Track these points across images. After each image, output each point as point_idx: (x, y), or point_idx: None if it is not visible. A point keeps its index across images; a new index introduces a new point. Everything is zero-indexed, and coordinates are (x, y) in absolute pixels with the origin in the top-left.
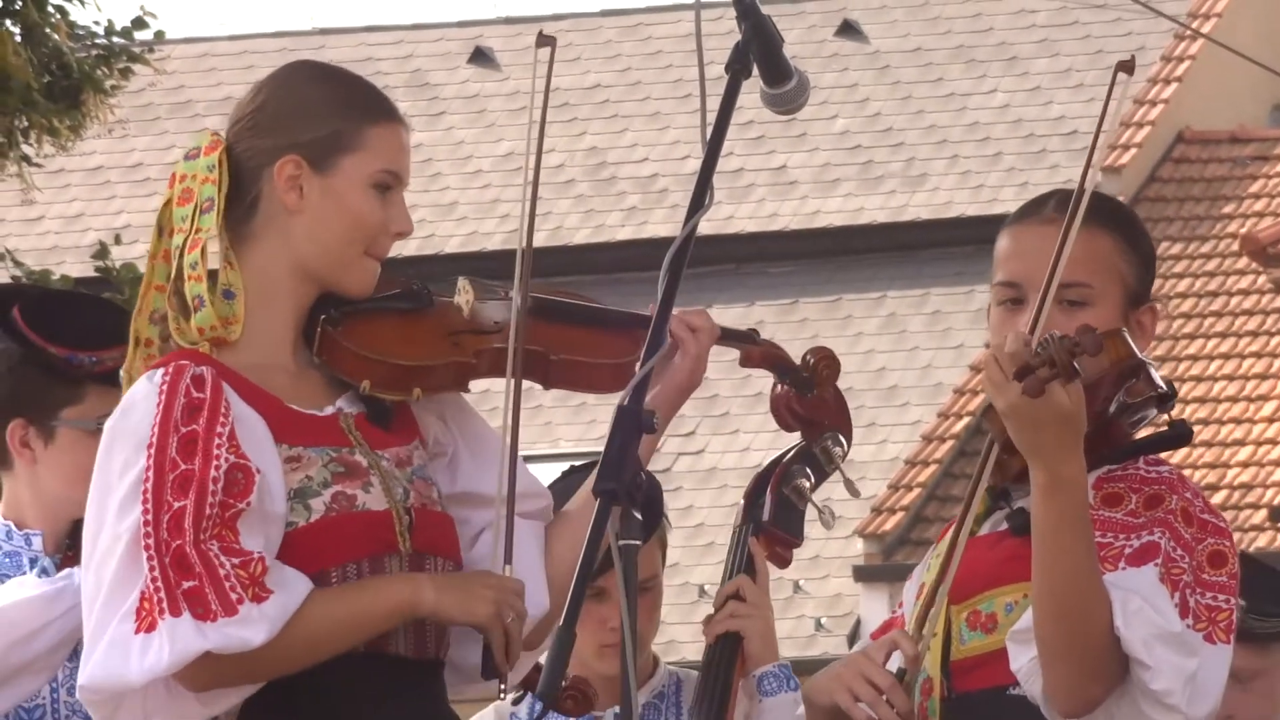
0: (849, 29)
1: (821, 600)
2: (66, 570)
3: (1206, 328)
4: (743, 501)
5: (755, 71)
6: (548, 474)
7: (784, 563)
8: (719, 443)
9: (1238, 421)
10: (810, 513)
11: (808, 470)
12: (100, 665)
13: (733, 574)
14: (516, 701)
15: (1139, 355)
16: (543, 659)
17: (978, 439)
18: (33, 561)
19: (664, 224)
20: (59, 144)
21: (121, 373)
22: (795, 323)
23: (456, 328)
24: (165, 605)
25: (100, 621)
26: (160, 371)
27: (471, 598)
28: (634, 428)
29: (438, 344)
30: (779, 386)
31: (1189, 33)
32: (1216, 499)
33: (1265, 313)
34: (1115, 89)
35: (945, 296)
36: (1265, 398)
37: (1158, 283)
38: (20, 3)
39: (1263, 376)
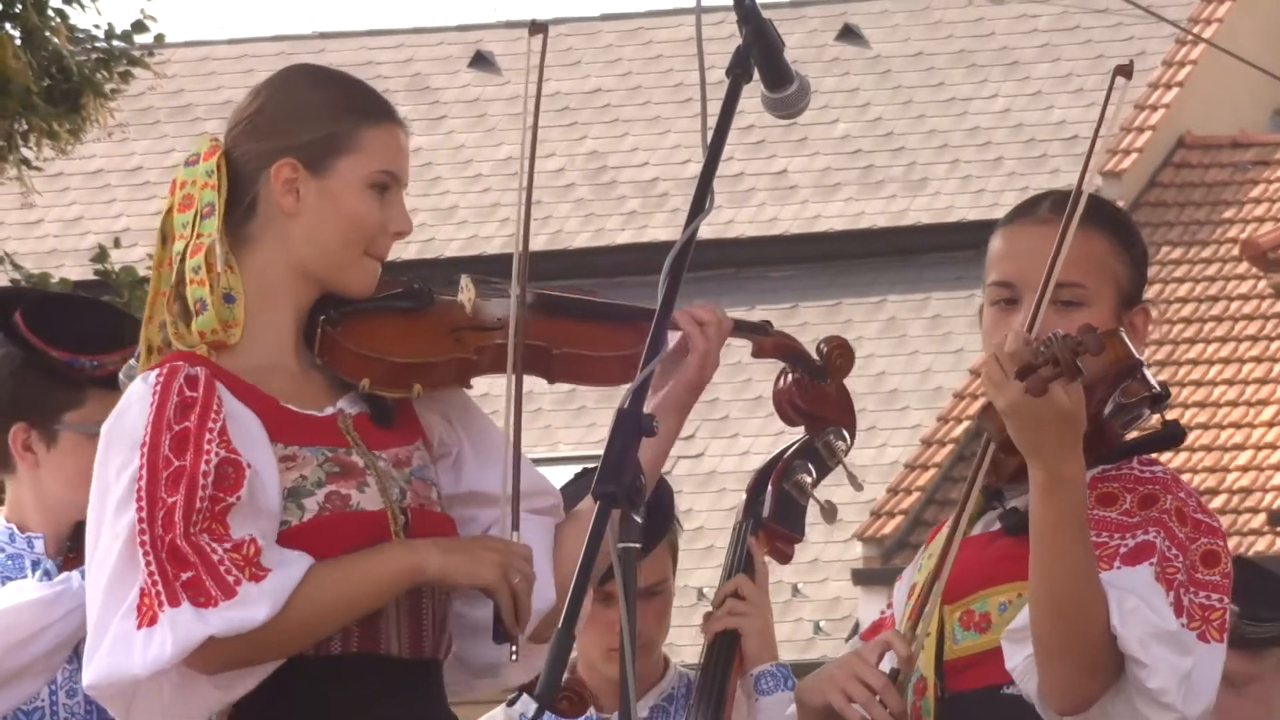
0: (850, 33)
1: (820, 603)
2: (65, 574)
3: (1206, 332)
4: (744, 496)
5: (756, 75)
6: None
7: (785, 558)
8: (719, 446)
9: (1237, 426)
10: (813, 509)
11: (810, 466)
12: (105, 662)
13: (731, 571)
14: (511, 703)
15: (1136, 355)
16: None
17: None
18: (35, 564)
19: (664, 228)
20: (58, 147)
21: (121, 378)
22: (795, 327)
23: (458, 324)
24: (164, 597)
25: (101, 620)
26: (155, 373)
27: (476, 560)
28: (634, 431)
29: (438, 341)
30: (781, 381)
31: (1190, 37)
32: (1216, 503)
33: (1265, 317)
34: (1113, 93)
35: (945, 301)
36: (1265, 402)
37: (1158, 287)
38: (20, 6)
39: (1262, 381)
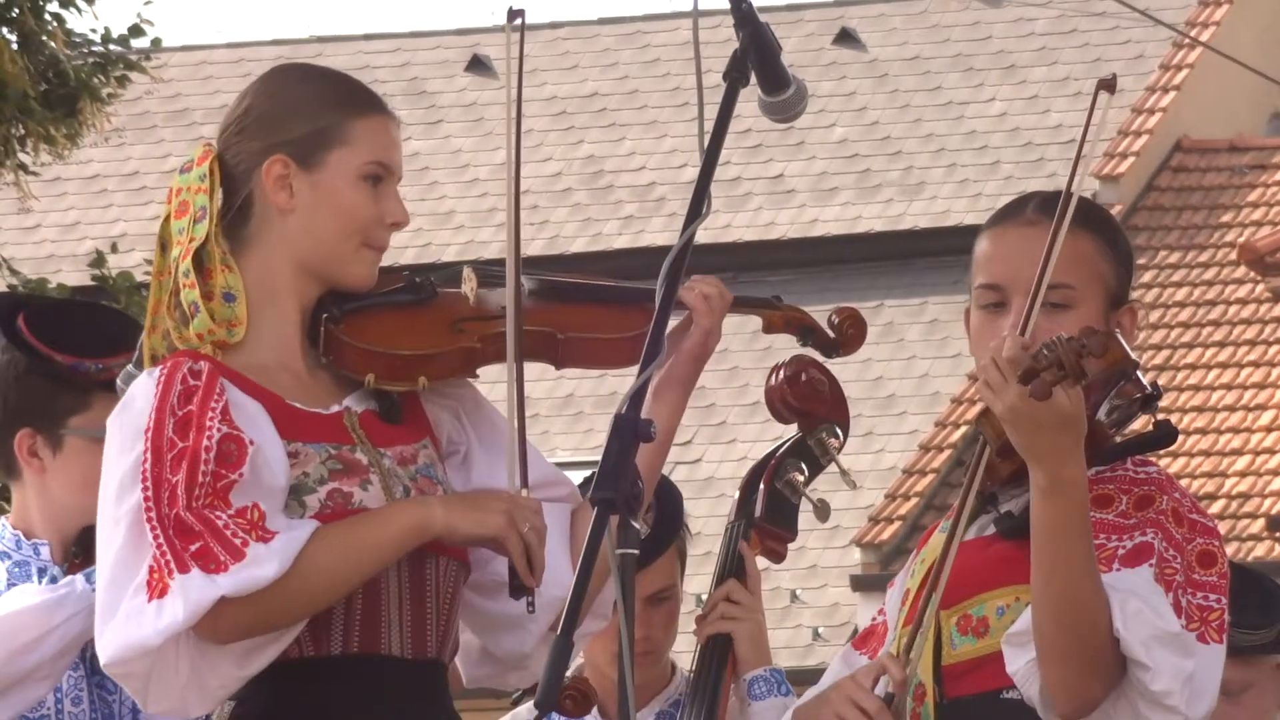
0: (847, 37)
1: (819, 610)
2: (69, 577)
3: (1204, 336)
4: (736, 495)
5: (753, 80)
6: None
7: (778, 557)
8: (716, 451)
9: (1235, 431)
10: (805, 508)
11: (802, 464)
12: (118, 636)
13: (723, 574)
14: (516, 702)
15: (1133, 357)
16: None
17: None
18: (41, 571)
19: (661, 233)
20: (55, 152)
21: (119, 384)
22: None
23: (462, 315)
24: (174, 567)
25: (111, 600)
26: (159, 368)
27: (482, 510)
28: (631, 436)
29: (441, 332)
30: (773, 379)
31: (1187, 41)
32: (1214, 508)
33: (1263, 321)
34: (1097, 107)
35: (943, 305)
36: (1263, 407)
37: (1155, 291)
38: (17, 10)
39: (1260, 385)
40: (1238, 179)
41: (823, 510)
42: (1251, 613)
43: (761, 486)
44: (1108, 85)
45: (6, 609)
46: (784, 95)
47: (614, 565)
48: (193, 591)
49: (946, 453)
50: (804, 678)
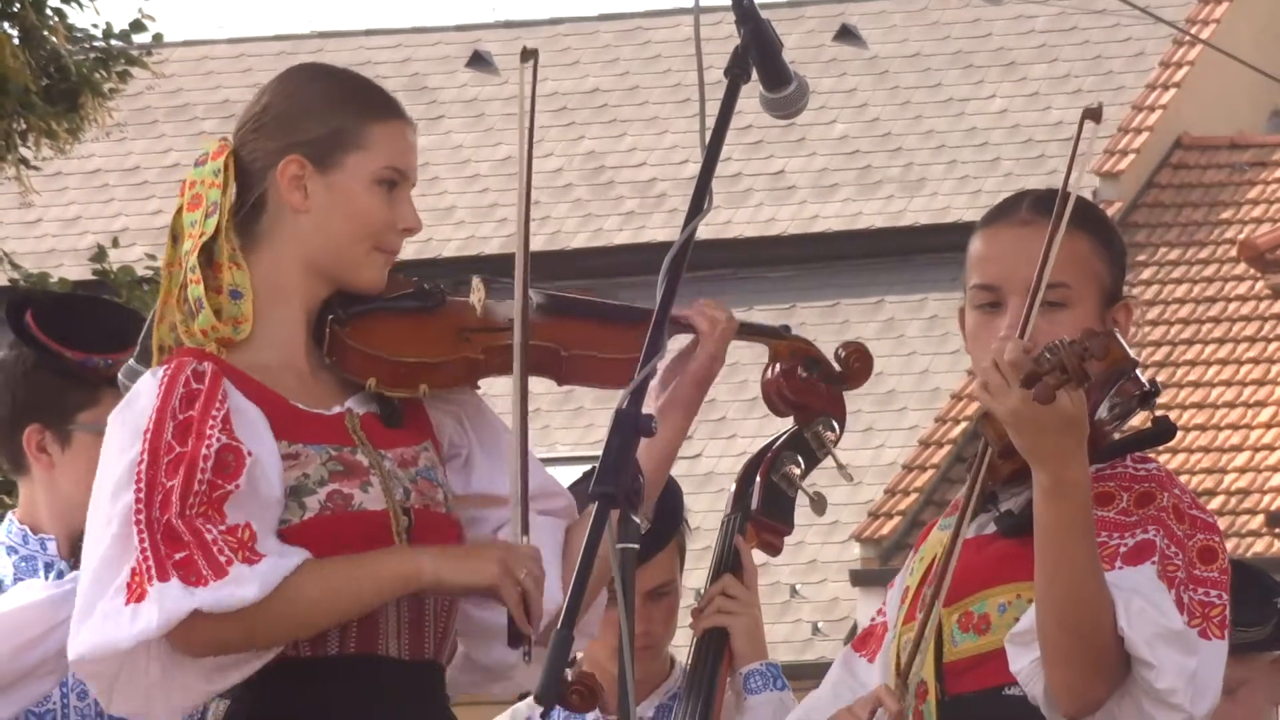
0: (848, 34)
1: (818, 605)
2: (74, 573)
3: (1204, 333)
4: (732, 488)
5: (754, 76)
6: None
7: (775, 551)
8: (715, 447)
9: (1235, 427)
10: (802, 501)
11: (798, 457)
12: (92, 635)
13: (718, 567)
14: (520, 698)
15: (1133, 356)
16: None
17: (975, 444)
18: (48, 566)
19: (662, 229)
20: (57, 147)
21: (121, 379)
22: (793, 327)
23: (467, 325)
24: (154, 574)
25: (90, 598)
26: (164, 367)
27: (476, 559)
28: (632, 431)
29: (446, 341)
30: (769, 371)
31: (1188, 38)
32: (1213, 504)
33: (1263, 318)
34: (1083, 137)
35: (943, 302)
36: (1263, 403)
37: (1155, 288)
38: (18, 5)
39: (1260, 382)
40: (1238, 176)
41: (819, 503)
42: (1248, 609)
43: (758, 479)
44: (1093, 115)
45: (13, 604)
46: (785, 92)
47: (614, 560)
48: (169, 601)
49: (946, 448)
50: (803, 672)
